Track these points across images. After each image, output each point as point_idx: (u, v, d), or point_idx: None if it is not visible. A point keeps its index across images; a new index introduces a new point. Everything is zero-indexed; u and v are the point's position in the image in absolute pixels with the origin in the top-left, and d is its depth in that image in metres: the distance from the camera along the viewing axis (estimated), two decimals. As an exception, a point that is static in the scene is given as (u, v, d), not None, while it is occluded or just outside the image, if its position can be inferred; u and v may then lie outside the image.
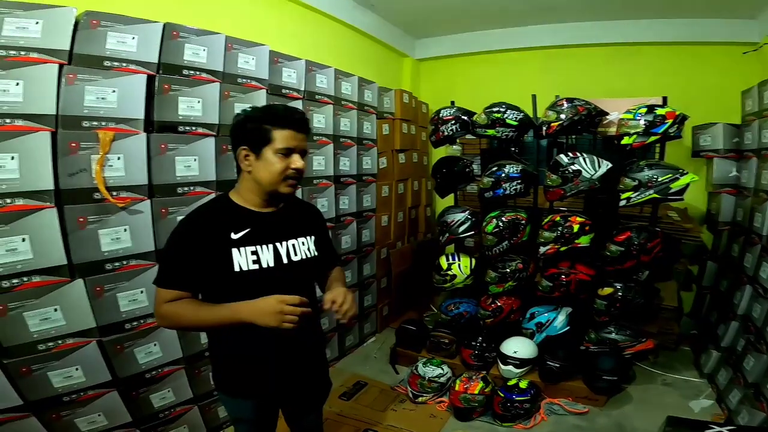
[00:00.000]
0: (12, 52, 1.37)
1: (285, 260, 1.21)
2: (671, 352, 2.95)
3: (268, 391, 1.28)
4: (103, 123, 1.59)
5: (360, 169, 3.00)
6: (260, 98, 2.17)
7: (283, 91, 2.36)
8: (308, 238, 1.29)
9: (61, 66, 1.47)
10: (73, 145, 1.51)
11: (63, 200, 1.51)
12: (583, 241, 2.46)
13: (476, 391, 2.31)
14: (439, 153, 3.48)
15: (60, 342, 1.52)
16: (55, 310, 1.50)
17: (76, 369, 1.55)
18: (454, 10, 3.42)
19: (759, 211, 2.38)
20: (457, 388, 2.35)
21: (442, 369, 2.54)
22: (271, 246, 1.19)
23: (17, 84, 1.38)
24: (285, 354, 1.24)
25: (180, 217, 1.69)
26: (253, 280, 1.14)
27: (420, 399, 2.47)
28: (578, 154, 2.40)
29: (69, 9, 1.49)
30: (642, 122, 2.27)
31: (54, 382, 1.51)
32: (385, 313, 3.44)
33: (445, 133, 2.79)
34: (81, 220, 1.55)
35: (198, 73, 1.89)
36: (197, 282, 1.14)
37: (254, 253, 1.16)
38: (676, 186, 2.22)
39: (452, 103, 2.96)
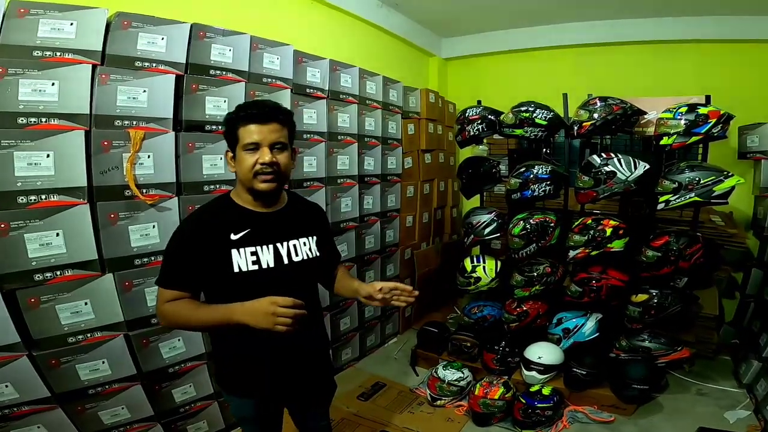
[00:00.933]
0: (48, 53, 1.42)
1: (286, 261, 1.20)
2: (709, 361, 2.80)
3: (265, 390, 1.27)
4: (134, 122, 1.62)
5: (384, 169, 2.98)
6: (285, 97, 2.18)
7: (308, 90, 2.36)
8: (310, 238, 1.28)
9: (94, 66, 1.52)
10: (106, 143, 1.56)
11: (95, 197, 1.55)
12: (617, 245, 2.35)
13: (496, 396, 2.25)
14: (466, 153, 3.42)
15: (89, 335, 1.56)
16: (86, 303, 1.55)
17: (103, 362, 1.59)
18: (481, 8, 3.36)
19: (811, 216, 2.21)
20: (476, 392, 2.30)
21: (463, 373, 2.49)
22: (271, 246, 1.18)
23: (53, 84, 1.42)
24: (282, 354, 1.23)
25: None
26: (252, 281, 1.13)
27: (438, 402, 2.43)
28: (612, 155, 2.30)
29: (101, 10, 1.53)
30: (683, 122, 2.16)
31: (81, 374, 1.55)
32: (407, 315, 3.41)
33: (471, 133, 2.73)
34: (112, 216, 1.59)
35: (224, 72, 1.91)
36: (197, 282, 1.15)
37: (254, 253, 1.15)
38: (719, 189, 2.09)
39: (479, 102, 2.89)
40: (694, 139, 2.16)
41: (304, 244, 1.25)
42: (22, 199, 1.40)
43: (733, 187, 2.08)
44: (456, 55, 4.20)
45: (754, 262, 2.88)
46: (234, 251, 1.13)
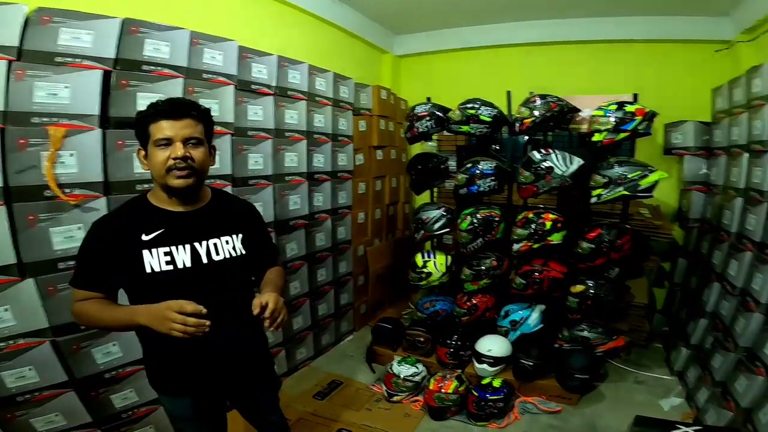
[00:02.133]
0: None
1: (205, 260, 1.18)
2: (643, 349, 2.98)
3: (198, 388, 1.26)
4: (55, 119, 1.53)
5: (335, 166, 2.98)
6: (228, 94, 2.14)
7: (253, 86, 2.32)
8: (234, 236, 1.26)
9: (9, 62, 1.43)
10: (22, 141, 1.46)
11: (12, 198, 1.46)
12: (556, 238, 2.46)
13: (450, 390, 2.31)
14: (417, 150, 3.46)
15: (11, 342, 1.48)
16: (6, 310, 1.46)
17: (29, 369, 1.51)
18: (432, 5, 3.40)
19: (728, 208, 2.41)
20: (431, 387, 2.34)
21: (417, 368, 2.53)
22: (188, 246, 1.16)
23: (-40, 80, 1.33)
24: (210, 353, 1.20)
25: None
26: (167, 281, 1.12)
27: (395, 398, 2.47)
28: (551, 151, 2.40)
29: (19, 6, 1.45)
30: (612, 119, 2.27)
31: (7, 382, 1.48)
32: (362, 312, 3.43)
33: (420, 130, 2.77)
34: (31, 218, 1.50)
35: (159, 68, 1.84)
36: (108, 283, 1.14)
37: (168, 253, 1.13)
38: (645, 183, 2.23)
39: (428, 99, 2.95)
40: (622, 135, 2.28)
41: (227, 242, 1.23)
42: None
43: (657, 182, 2.21)
44: (409, 53, 4.23)
45: (680, 252, 3.10)
46: (145, 252, 1.11)
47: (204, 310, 1.04)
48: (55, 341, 1.57)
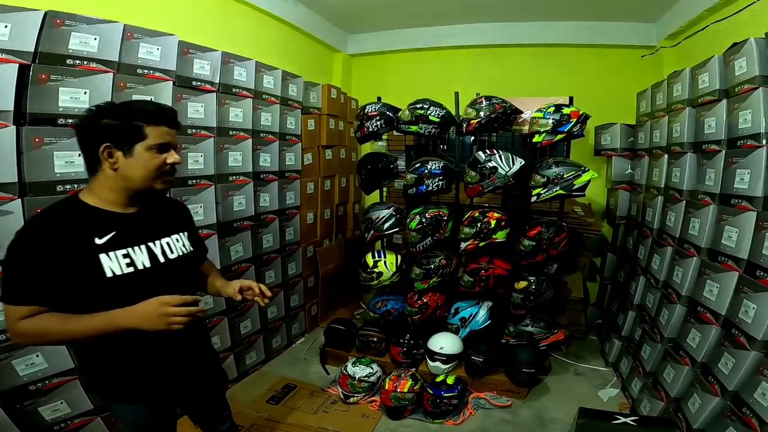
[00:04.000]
0: None
1: (162, 259, 1.18)
2: (581, 341, 3.16)
3: (158, 391, 1.24)
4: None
5: (283, 166, 2.92)
6: (165, 90, 2.03)
7: (194, 83, 2.22)
8: (182, 234, 1.28)
9: None
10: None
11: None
12: (500, 236, 2.55)
13: (406, 389, 2.34)
14: (367, 149, 3.46)
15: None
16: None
17: (37, 356, 1.48)
18: (383, 6, 3.42)
19: (650, 206, 2.60)
20: (387, 387, 2.36)
21: (372, 368, 2.54)
22: (143, 246, 1.15)
23: None
24: (171, 352, 1.22)
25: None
26: (128, 284, 1.09)
27: (351, 399, 2.46)
28: (495, 152, 2.48)
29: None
30: (550, 121, 2.39)
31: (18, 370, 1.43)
32: (313, 313, 3.39)
33: (370, 129, 2.77)
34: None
35: (86, 62, 1.71)
36: (55, 294, 1.03)
37: (126, 255, 1.10)
38: (578, 182, 2.36)
39: (378, 99, 2.95)
40: (559, 136, 2.40)
41: (177, 240, 1.25)
42: None
43: (589, 181, 2.36)
44: (361, 52, 4.24)
45: (609, 247, 3.33)
46: (103, 256, 1.06)
47: (199, 298, 1.09)
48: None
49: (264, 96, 2.72)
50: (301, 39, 3.58)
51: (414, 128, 2.64)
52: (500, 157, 2.47)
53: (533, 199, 2.42)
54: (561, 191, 2.38)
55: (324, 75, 3.94)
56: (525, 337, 2.68)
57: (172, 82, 2.06)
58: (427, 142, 2.93)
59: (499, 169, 2.45)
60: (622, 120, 3.16)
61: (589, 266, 3.36)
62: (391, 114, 2.79)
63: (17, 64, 1.51)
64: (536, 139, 2.44)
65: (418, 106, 2.63)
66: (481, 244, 2.55)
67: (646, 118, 2.84)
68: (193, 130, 2.22)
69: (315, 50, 3.83)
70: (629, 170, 3.12)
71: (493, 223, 2.52)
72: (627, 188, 3.13)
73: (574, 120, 2.39)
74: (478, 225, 2.53)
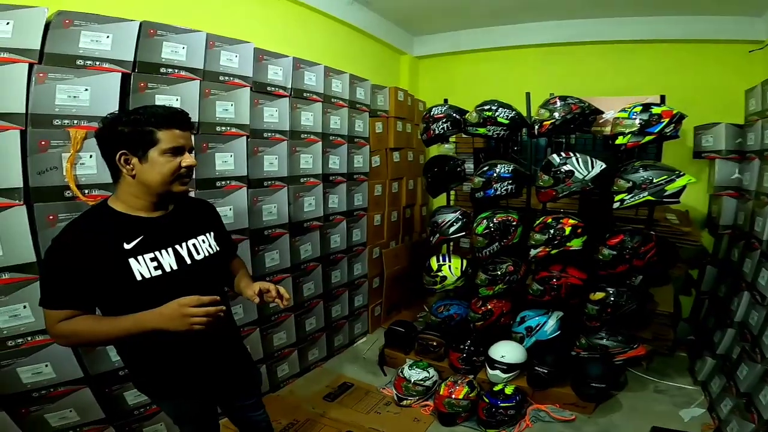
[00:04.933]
0: (-20, 53, 1.37)
1: (188, 261, 1.20)
2: (666, 357, 2.87)
3: (195, 388, 1.29)
4: (75, 121, 1.57)
5: (351, 168, 2.97)
6: (244, 96, 2.15)
7: (269, 88, 2.32)
8: (208, 234, 1.30)
9: (31, 65, 1.46)
10: (43, 143, 1.50)
11: (33, 198, 1.50)
12: (575, 244, 2.39)
13: (461, 396, 2.27)
14: (435, 152, 3.42)
15: (29, 339, 1.51)
16: (24, 307, 1.49)
17: (46, 365, 1.55)
18: (451, 6, 3.36)
19: (760, 215, 2.29)
20: (441, 392, 2.31)
21: (428, 372, 2.50)
22: (170, 249, 1.18)
23: (-15, 83, 1.37)
24: (207, 349, 1.26)
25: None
26: (158, 286, 1.12)
27: (404, 402, 2.44)
28: (571, 154, 2.33)
29: (40, 9, 1.48)
30: (637, 121, 2.19)
31: (23, 377, 1.52)
32: (376, 314, 3.41)
33: (436, 132, 2.74)
34: (51, 217, 1.53)
35: (176, 71, 1.87)
36: (89, 298, 1.09)
37: (154, 259, 1.13)
38: (671, 188, 2.14)
39: (445, 100, 2.91)
40: (647, 138, 2.19)
41: (203, 241, 1.27)
42: (-48, 201, 1.35)
43: (684, 186, 2.12)
44: (427, 54, 4.20)
45: (709, 259, 2.97)
46: (132, 260, 1.10)
47: (218, 298, 1.09)
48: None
49: (333, 99, 2.79)
50: (368, 43, 3.62)
51: (482, 130, 2.56)
52: (577, 160, 2.31)
53: (616, 205, 2.23)
54: (649, 197, 2.16)
55: (391, 78, 3.96)
56: (598, 350, 2.49)
57: (249, 87, 2.18)
58: (498, 145, 2.83)
59: (576, 173, 2.30)
60: (726, 119, 2.81)
61: (683, 279, 3.01)
62: (457, 116, 2.73)
63: (120, 73, 1.68)
64: (620, 140, 2.24)
65: (486, 107, 2.55)
66: (554, 252, 2.41)
67: (756, 117, 2.50)
68: (269, 134, 2.33)
69: (382, 53, 3.86)
70: (736, 174, 2.76)
71: (567, 229, 2.36)
72: (733, 195, 2.78)
73: (666, 120, 2.16)
74: (551, 231, 2.39)
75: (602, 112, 2.47)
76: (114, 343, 1.24)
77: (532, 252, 2.45)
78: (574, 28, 3.46)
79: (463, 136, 2.84)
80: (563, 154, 2.34)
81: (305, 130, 2.57)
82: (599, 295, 2.42)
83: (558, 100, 2.40)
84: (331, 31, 3.17)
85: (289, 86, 2.45)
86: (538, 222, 2.45)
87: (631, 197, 2.19)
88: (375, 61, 3.71)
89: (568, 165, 2.30)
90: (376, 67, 3.68)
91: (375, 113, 3.24)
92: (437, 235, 2.77)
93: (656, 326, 2.85)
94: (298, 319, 2.64)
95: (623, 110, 2.25)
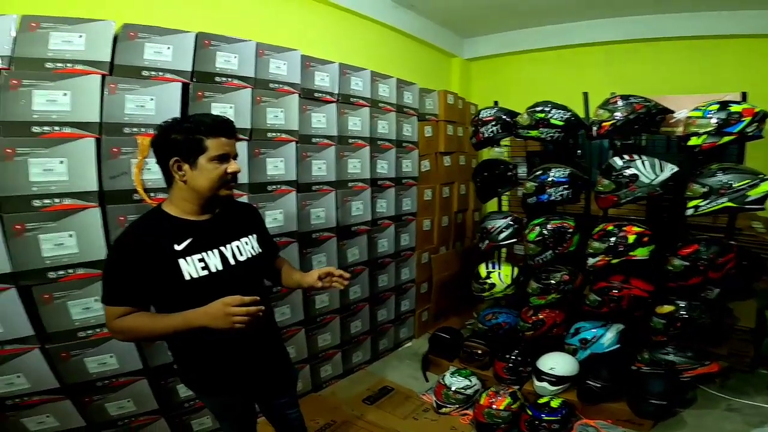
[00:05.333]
0: (59, 65, 1.52)
1: (232, 262, 1.26)
2: (746, 375, 2.57)
3: (237, 386, 1.34)
4: (142, 129, 1.70)
5: (399, 172, 2.95)
6: (293, 102, 2.21)
7: (316, 94, 2.38)
8: (250, 237, 1.35)
9: (103, 77, 1.61)
10: (115, 150, 1.64)
11: (106, 200, 1.64)
12: (641, 253, 2.20)
13: (502, 407, 2.17)
14: (487, 156, 3.32)
15: (98, 330, 1.64)
16: (95, 300, 1.63)
17: (111, 356, 1.68)
18: (500, 6, 3.26)
19: None
20: (482, 401, 2.22)
21: (470, 380, 2.42)
22: (216, 251, 1.23)
23: (65, 94, 1.52)
24: (246, 348, 1.29)
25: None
26: (204, 286, 1.18)
27: (443, 410, 2.38)
28: (635, 157, 2.17)
29: (109, 22, 1.62)
30: (713, 120, 1.99)
31: (89, 367, 1.64)
32: (423, 319, 3.36)
33: (486, 135, 2.66)
34: (121, 218, 1.67)
35: (230, 79, 1.96)
36: (145, 296, 1.17)
37: (201, 260, 1.19)
38: (754, 193, 1.92)
39: (495, 103, 2.82)
40: (726, 139, 1.98)
41: (246, 243, 1.32)
42: (36, 203, 1.50)
43: (769, 192, 1.89)
44: (479, 56, 4.10)
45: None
46: (181, 261, 1.17)
47: (258, 298, 1.13)
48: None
49: (380, 104, 2.79)
50: (415, 46, 3.59)
51: (534, 133, 2.45)
52: (643, 163, 2.14)
53: (689, 212, 2.03)
54: (729, 203, 1.95)
55: (441, 81, 3.91)
56: (663, 365, 2.29)
57: (297, 94, 2.24)
58: (555, 148, 2.69)
59: (641, 177, 2.12)
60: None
61: (768, 293, 2.68)
62: (508, 118, 2.64)
63: (180, 83, 1.80)
64: (693, 141, 2.04)
65: (538, 109, 2.44)
66: (614, 261, 2.23)
67: None
68: (317, 139, 2.38)
69: (430, 57, 3.81)
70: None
71: (631, 238, 2.19)
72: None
73: (748, 119, 1.95)
74: (612, 240, 2.22)
75: (672, 112, 2.27)
76: (165, 338, 1.31)
77: (590, 261, 2.29)
78: (639, 25, 3.24)
79: (516, 139, 2.74)
80: (626, 156, 2.18)
81: (353, 135, 2.60)
82: (667, 308, 2.22)
83: (619, 100, 2.24)
84: (376, 36, 3.18)
85: (336, 92, 2.49)
86: (597, 229, 2.29)
87: (708, 203, 1.99)
88: (423, 65, 3.68)
89: (631, 169, 2.13)
90: (425, 71, 3.65)
91: (424, 117, 3.21)
92: (486, 242, 2.69)
93: (735, 342, 2.57)
94: (344, 322, 2.66)
95: (697, 109, 2.06)
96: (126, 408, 1.75)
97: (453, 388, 2.37)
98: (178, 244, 1.17)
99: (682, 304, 2.20)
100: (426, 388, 2.63)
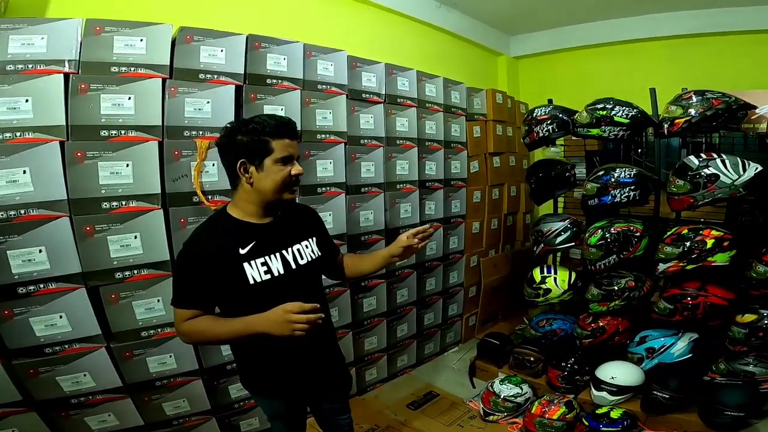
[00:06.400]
0: (123, 68, 1.56)
1: (293, 266, 1.24)
2: None
3: (293, 390, 1.32)
4: (200, 132, 1.72)
5: (448, 174, 2.87)
6: (341, 103, 2.19)
7: (363, 95, 2.34)
8: (311, 240, 1.33)
9: (164, 80, 1.64)
10: (176, 153, 1.67)
11: (168, 203, 1.67)
12: (720, 258, 2.03)
13: (555, 417, 2.05)
14: (540, 156, 3.19)
15: (159, 330, 1.68)
16: (158, 301, 1.66)
17: (170, 356, 1.71)
18: (549, 2, 3.14)
19: None
20: (534, 410, 2.11)
21: (521, 388, 2.31)
22: (278, 254, 1.22)
23: (129, 98, 1.56)
24: (304, 353, 1.28)
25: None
26: (267, 289, 1.17)
27: (491, 417, 2.28)
28: (714, 156, 2.00)
29: (166, 26, 1.64)
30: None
31: (150, 367, 1.68)
32: (471, 324, 3.25)
33: (540, 134, 2.54)
34: (182, 220, 1.70)
35: (280, 81, 1.96)
36: (212, 299, 1.18)
37: (264, 264, 1.18)
38: None
39: (549, 101, 2.68)
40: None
41: (306, 246, 1.31)
42: (105, 205, 1.55)
43: None
44: (526, 53, 3.99)
45: None
46: (246, 265, 1.16)
47: (318, 305, 1.12)
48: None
49: (427, 104, 2.73)
50: (460, 45, 3.52)
51: (595, 131, 2.31)
52: (724, 162, 1.97)
53: (777, 214, 1.83)
54: (825, 205, 1.74)
55: (488, 80, 3.81)
56: (741, 376, 2.11)
57: (345, 95, 2.22)
58: (617, 147, 2.52)
59: (722, 177, 1.95)
60: None
61: None
62: (564, 117, 2.51)
63: (234, 86, 1.81)
64: (782, 137, 1.84)
65: (599, 106, 2.30)
66: (689, 267, 2.06)
67: None
68: (365, 141, 2.35)
69: (476, 56, 3.73)
70: None
71: (710, 242, 2.02)
72: None
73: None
74: (687, 244, 2.06)
75: (755, 107, 2.07)
76: (228, 343, 1.33)
77: (662, 267, 2.13)
78: (705, 17, 3.06)
79: (573, 138, 2.60)
80: (703, 155, 2.01)
81: (400, 136, 2.54)
82: (750, 317, 2.04)
83: (693, 95, 2.09)
84: (420, 36, 3.14)
85: (383, 92, 2.44)
86: (670, 233, 2.13)
87: (799, 205, 1.79)
88: (469, 64, 3.60)
89: (711, 168, 1.96)
90: (471, 70, 3.56)
91: (472, 117, 3.11)
92: (542, 245, 2.56)
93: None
94: (390, 325, 2.61)
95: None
96: (181, 408, 1.78)
97: (502, 396, 2.27)
98: (243, 248, 1.17)
99: (765, 313, 2.02)
100: (473, 395, 2.54)
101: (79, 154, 1.48)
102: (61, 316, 1.49)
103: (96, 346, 1.56)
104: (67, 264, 1.50)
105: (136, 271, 1.62)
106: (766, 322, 2.01)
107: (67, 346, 1.52)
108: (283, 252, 1.24)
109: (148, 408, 1.70)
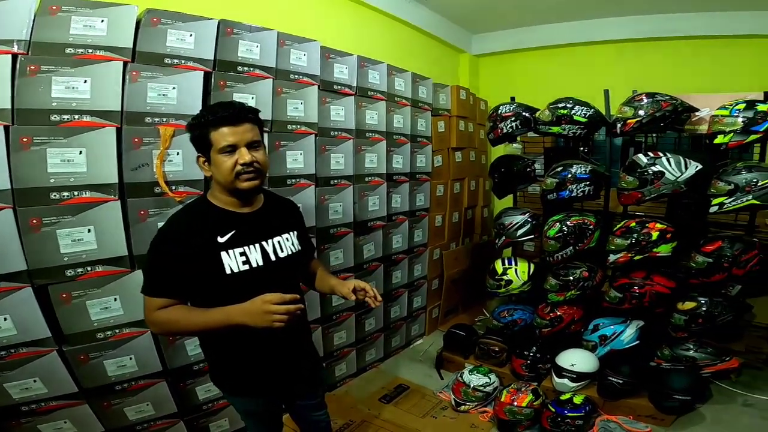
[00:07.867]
0: (80, 50, 1.43)
1: (273, 258, 1.22)
2: (758, 371, 2.60)
3: (265, 388, 1.29)
4: (164, 119, 1.62)
5: (414, 168, 2.90)
6: (312, 94, 2.14)
7: (335, 87, 2.31)
8: (291, 233, 1.31)
9: (125, 63, 1.51)
10: (136, 140, 1.56)
11: (126, 193, 1.55)
12: (664, 249, 2.20)
13: (524, 404, 2.15)
14: (499, 152, 3.30)
15: (117, 331, 1.56)
16: (115, 299, 1.55)
17: (130, 358, 1.59)
18: (511, 3, 3.23)
19: None
20: (503, 399, 2.20)
21: (489, 378, 2.40)
22: (257, 245, 1.19)
23: (85, 81, 1.43)
24: (279, 348, 1.26)
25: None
26: (244, 280, 1.14)
27: (462, 407, 2.36)
28: (660, 154, 2.15)
29: (131, 7, 1.52)
30: (740, 119, 1.99)
31: (108, 370, 1.56)
32: (434, 316, 3.33)
33: (504, 131, 2.62)
34: (142, 213, 1.59)
35: (252, 69, 1.88)
36: (186, 288, 1.13)
37: (243, 254, 1.15)
38: (780, 191, 1.91)
39: (512, 99, 2.78)
40: (752, 137, 1.98)
41: (287, 239, 1.28)
42: (54, 195, 1.41)
43: (796, 190, 1.89)
44: (487, 52, 4.07)
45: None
46: (224, 253, 1.12)
47: (298, 296, 1.11)
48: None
49: (396, 98, 2.74)
50: (427, 41, 3.55)
51: (555, 129, 2.42)
52: (668, 160, 2.12)
53: (713, 209, 2.02)
54: (754, 201, 1.95)
55: (451, 76, 3.87)
56: (684, 362, 2.32)
57: (317, 86, 2.17)
58: (567, 144, 2.66)
59: (667, 174, 2.11)
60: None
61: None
62: (527, 114, 2.60)
63: (202, 72, 1.71)
64: (720, 140, 2.04)
65: (561, 105, 2.41)
66: (637, 258, 2.23)
67: None
68: (335, 132, 2.32)
69: (440, 52, 3.77)
70: None
71: (655, 234, 2.18)
72: None
73: (774, 117, 1.94)
74: (635, 236, 2.21)
75: (697, 110, 2.26)
76: (201, 334, 1.25)
77: (612, 257, 2.28)
78: (655, 23, 3.25)
79: (530, 135, 2.71)
80: (651, 154, 2.16)
81: (370, 129, 2.54)
82: (689, 304, 2.23)
83: (645, 97, 2.23)
84: (391, 30, 3.13)
85: (354, 84, 2.42)
86: (619, 226, 2.28)
87: (733, 201, 1.98)
88: (435, 60, 3.64)
89: (657, 166, 2.12)
90: (437, 66, 3.60)
91: (437, 112, 3.16)
92: (503, 238, 2.65)
93: (750, 338, 2.61)
94: (359, 319, 2.62)
95: (723, 107, 2.05)
96: (145, 412, 1.67)
97: (472, 386, 2.35)
98: (222, 236, 1.13)
99: (703, 300, 2.21)
100: (442, 386, 2.60)
101: (25, 139, 1.34)
102: (5, 318, 1.35)
103: (46, 349, 1.43)
104: (11, 261, 1.35)
105: (89, 268, 1.50)
106: (704, 309, 2.20)
107: (13, 351, 1.38)
108: (263, 243, 1.21)
109: (108, 413, 1.59)
